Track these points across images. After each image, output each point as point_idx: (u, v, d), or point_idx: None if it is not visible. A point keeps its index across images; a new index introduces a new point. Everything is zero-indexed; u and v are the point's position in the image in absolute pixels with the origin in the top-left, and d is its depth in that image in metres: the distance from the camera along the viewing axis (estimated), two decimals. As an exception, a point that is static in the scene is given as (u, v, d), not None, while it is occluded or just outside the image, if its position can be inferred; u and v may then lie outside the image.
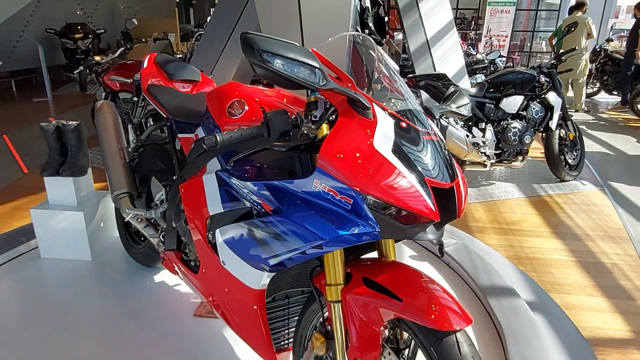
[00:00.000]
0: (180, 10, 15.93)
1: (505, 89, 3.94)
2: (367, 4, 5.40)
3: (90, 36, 9.79)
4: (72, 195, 2.43)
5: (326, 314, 1.28)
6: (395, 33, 9.77)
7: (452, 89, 3.19)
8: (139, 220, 1.97)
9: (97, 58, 4.47)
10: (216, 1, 22.97)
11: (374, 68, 1.23)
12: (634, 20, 7.13)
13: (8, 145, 5.31)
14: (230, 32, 5.48)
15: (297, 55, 0.98)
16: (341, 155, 1.02)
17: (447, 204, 1.10)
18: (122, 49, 4.74)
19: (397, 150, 1.05)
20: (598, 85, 8.67)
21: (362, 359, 1.14)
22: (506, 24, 12.31)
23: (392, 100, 1.17)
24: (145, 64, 2.09)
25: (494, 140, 3.90)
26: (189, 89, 2.11)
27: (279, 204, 1.12)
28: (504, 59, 6.87)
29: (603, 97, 8.85)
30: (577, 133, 4.25)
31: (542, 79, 3.93)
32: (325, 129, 1.15)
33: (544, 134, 4.13)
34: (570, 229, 3.35)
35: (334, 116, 1.15)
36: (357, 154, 1.02)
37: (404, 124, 1.10)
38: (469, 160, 3.91)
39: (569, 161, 4.24)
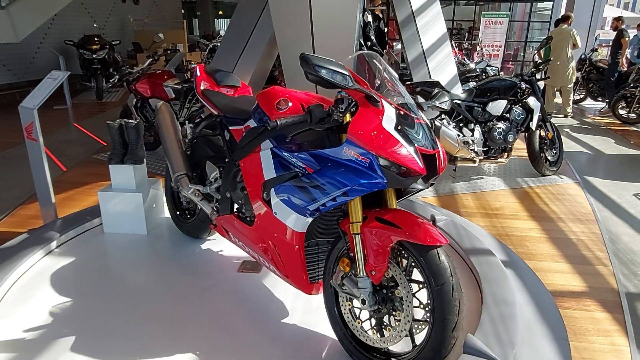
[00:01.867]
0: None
1: (491, 94, 4.51)
2: (369, 19, 5.99)
3: (106, 47, 10.40)
4: (132, 180, 2.98)
5: (348, 247, 1.82)
6: (394, 43, 10.38)
7: (436, 90, 3.81)
8: (196, 194, 2.52)
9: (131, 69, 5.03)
10: (220, 12, 23.43)
11: (382, 76, 1.79)
12: (615, 31, 7.74)
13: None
14: (245, 42, 6.04)
15: (334, 67, 1.56)
16: (361, 132, 1.59)
17: (432, 167, 1.66)
18: (151, 59, 5.32)
19: (397, 128, 1.61)
20: (584, 92, 9.27)
21: (375, 270, 1.69)
22: (500, 35, 12.92)
23: (394, 97, 1.73)
24: (198, 73, 2.64)
25: (482, 139, 4.46)
26: (232, 93, 2.67)
27: (320, 166, 1.68)
28: (495, 68, 7.45)
29: (589, 103, 9.45)
30: (555, 133, 4.82)
31: (523, 85, 4.50)
32: (348, 116, 1.71)
33: (526, 134, 4.70)
34: (546, 214, 3.90)
35: (354, 108, 1.71)
36: (372, 130, 1.58)
37: (402, 112, 1.66)
38: (460, 157, 4.46)
39: (549, 158, 4.80)
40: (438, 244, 1.58)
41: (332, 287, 1.91)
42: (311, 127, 1.72)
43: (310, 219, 1.82)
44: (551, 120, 4.83)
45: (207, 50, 7.84)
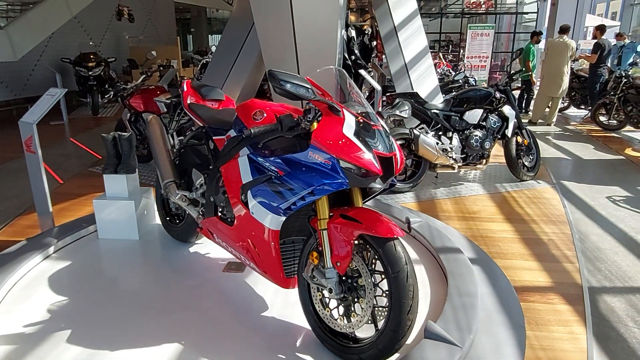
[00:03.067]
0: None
1: (468, 104, 4.75)
2: (353, 34, 6.26)
3: (102, 64, 10.67)
4: (125, 189, 3.17)
5: (317, 242, 2.01)
6: (384, 56, 10.70)
7: (397, 100, 4.13)
8: (183, 200, 2.71)
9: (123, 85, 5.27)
10: (214, 28, 23.75)
11: (348, 88, 2.02)
12: (595, 40, 8.04)
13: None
14: (235, 57, 6.31)
15: (298, 81, 1.78)
16: (324, 138, 1.80)
17: (389, 168, 1.87)
18: (144, 76, 5.55)
19: (357, 134, 1.83)
20: (567, 100, 9.57)
21: (340, 261, 1.88)
22: (486, 46, 13.25)
23: (356, 107, 1.95)
24: (185, 88, 2.86)
25: (460, 147, 4.69)
26: (216, 106, 2.88)
27: (289, 169, 1.88)
28: (473, 79, 7.72)
29: (572, 111, 9.74)
30: (531, 139, 5.05)
31: (498, 94, 4.75)
32: (315, 124, 1.92)
33: (503, 141, 4.93)
34: (520, 216, 4.10)
35: (320, 117, 1.93)
36: (334, 136, 1.80)
37: (361, 120, 1.88)
38: (440, 164, 4.68)
39: (526, 164, 5.03)
40: (395, 236, 1.78)
41: (305, 280, 2.10)
42: (282, 135, 1.93)
43: (283, 218, 2.02)
44: (527, 127, 5.07)
45: (200, 65, 8.10)
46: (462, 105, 4.77)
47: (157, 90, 5.19)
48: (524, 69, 7.71)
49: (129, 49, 14.18)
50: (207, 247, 3.08)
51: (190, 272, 2.81)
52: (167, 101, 3.78)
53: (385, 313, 1.84)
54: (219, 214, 2.48)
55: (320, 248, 1.97)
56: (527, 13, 14.64)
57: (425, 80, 6.19)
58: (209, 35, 22.85)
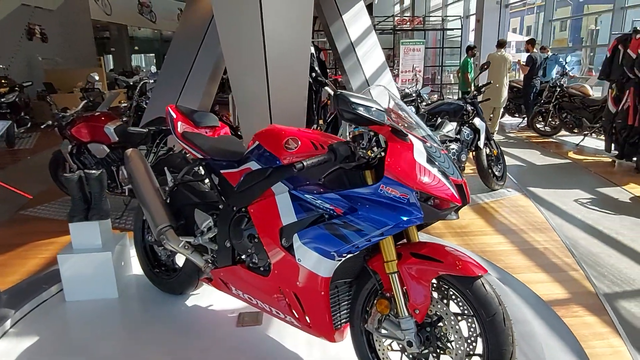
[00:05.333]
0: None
1: (441, 118, 4.74)
2: (312, 50, 6.08)
3: (16, 89, 9.46)
4: (98, 238, 2.65)
5: (381, 287, 1.73)
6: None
7: (440, 120, 4.05)
8: (186, 247, 2.28)
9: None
10: (136, 48, 22.58)
11: (397, 108, 1.78)
12: (527, 53, 8.60)
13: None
14: (186, 76, 5.84)
15: (371, 103, 1.52)
16: (399, 168, 1.54)
17: (461, 196, 1.65)
18: (85, 101, 4.89)
19: (429, 161, 1.59)
20: (502, 109, 10.15)
21: (419, 309, 1.62)
22: (418, 60, 13.81)
23: (415, 129, 1.72)
24: (174, 114, 2.45)
25: (438, 160, 4.64)
26: (211, 133, 2.50)
27: (355, 206, 1.59)
28: (428, 91, 7.90)
29: (507, 119, 10.34)
30: (499, 150, 5.16)
31: (469, 107, 4.79)
32: (370, 152, 1.65)
33: (474, 153, 4.97)
34: (507, 226, 4.11)
35: (376, 144, 1.67)
36: (408, 165, 1.55)
37: (428, 144, 1.65)
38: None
39: (496, 173, 5.12)
40: (480, 274, 1.56)
41: (363, 332, 1.81)
42: (341, 166, 1.64)
43: (337, 263, 1.71)
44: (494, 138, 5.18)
45: (138, 87, 7.45)
46: (435, 119, 4.74)
47: (103, 116, 4.57)
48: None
49: (44, 72, 12.84)
50: (207, 298, 2.65)
51: (196, 331, 2.37)
52: (143, 130, 3.27)
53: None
54: (243, 262, 2.09)
55: (388, 294, 1.70)
56: (452, 29, 15.51)
57: (386, 96, 6.15)
58: (132, 55, 21.55)
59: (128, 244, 2.91)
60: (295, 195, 1.77)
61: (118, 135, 4.33)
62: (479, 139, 4.84)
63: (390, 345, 1.76)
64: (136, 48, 21.95)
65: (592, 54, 14.15)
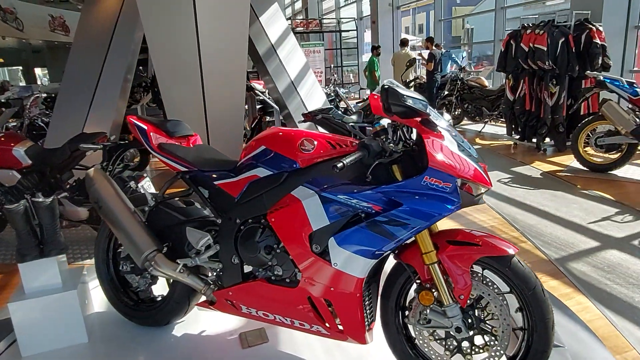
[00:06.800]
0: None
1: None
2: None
3: None
4: (57, 276, 2.25)
5: (418, 279, 1.74)
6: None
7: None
8: (181, 271, 2.04)
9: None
10: (0, 60, 19.74)
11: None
12: (427, 51, 9.29)
13: None
14: (96, 83, 5.28)
15: (415, 95, 1.53)
16: (442, 158, 1.56)
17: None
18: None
19: (461, 149, 1.63)
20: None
21: (463, 294, 1.65)
22: (319, 62, 14.18)
23: (439, 120, 1.75)
24: (144, 126, 2.17)
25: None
26: (187, 143, 2.28)
27: (399, 200, 1.57)
28: (358, 89, 8.20)
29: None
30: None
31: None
32: (400, 146, 1.66)
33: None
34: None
35: (401, 137, 1.68)
36: (448, 155, 1.58)
37: (453, 133, 1.69)
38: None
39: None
40: (515, 252, 1.65)
41: (400, 328, 1.80)
42: (380, 161, 1.61)
43: (374, 262, 1.68)
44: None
45: (28, 103, 6.48)
46: (371, 115, 4.89)
47: (9, 138, 3.91)
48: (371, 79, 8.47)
49: None
50: (197, 323, 2.40)
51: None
52: (97, 146, 2.83)
53: (523, 335, 1.68)
54: (264, 275, 1.92)
55: (427, 284, 1.71)
56: (348, 31, 16.17)
57: (314, 95, 6.20)
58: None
59: (86, 278, 2.52)
60: (325, 197, 1.69)
61: (31, 158, 3.75)
62: (411, 132, 5.11)
63: (431, 335, 1.77)
64: (0, 60, 19.21)
65: (469, 50, 15.81)
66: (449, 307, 1.67)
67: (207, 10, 3.89)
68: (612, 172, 5.14)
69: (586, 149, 5.27)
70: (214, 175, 2.05)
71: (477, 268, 1.72)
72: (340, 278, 1.70)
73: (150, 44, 4.05)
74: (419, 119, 1.64)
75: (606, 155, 5.21)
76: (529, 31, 6.03)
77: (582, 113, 5.96)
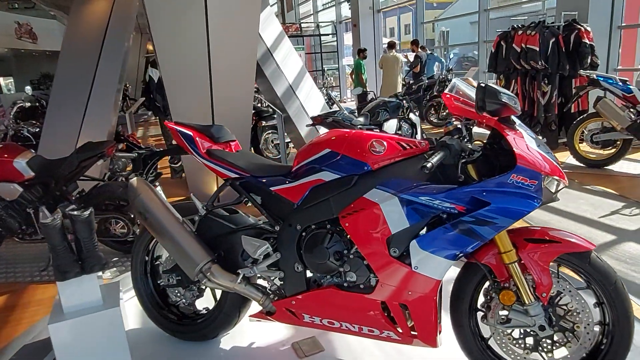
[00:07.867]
0: None
1: (382, 115, 4.92)
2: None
3: None
4: (97, 293, 2.13)
5: (495, 279, 1.72)
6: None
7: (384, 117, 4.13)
8: (239, 282, 1.96)
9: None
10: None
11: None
12: (414, 53, 9.40)
13: None
14: (88, 92, 5.08)
15: (507, 92, 1.52)
16: (529, 155, 1.57)
17: None
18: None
19: (539, 146, 1.64)
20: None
21: (545, 292, 1.65)
22: (301, 66, 14.04)
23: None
24: (189, 132, 2.09)
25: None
26: (231, 149, 2.21)
27: (485, 199, 1.55)
28: (360, 92, 8.26)
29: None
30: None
31: (405, 103, 5.06)
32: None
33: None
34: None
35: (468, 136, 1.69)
36: (532, 152, 1.58)
37: (528, 131, 1.70)
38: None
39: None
40: (593, 248, 1.66)
41: (475, 331, 1.79)
42: (466, 160, 1.60)
43: (453, 263, 1.66)
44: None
45: (12, 114, 6.16)
46: (377, 118, 4.91)
47: (8, 149, 3.70)
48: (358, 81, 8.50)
49: None
50: (244, 335, 2.31)
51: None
52: (131, 155, 2.67)
53: (603, 329, 1.69)
54: (335, 282, 1.86)
55: (506, 284, 1.69)
56: (328, 34, 16.20)
57: (312, 98, 6.16)
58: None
59: (120, 293, 2.39)
60: (405, 199, 1.65)
61: (34, 170, 3.57)
62: (416, 133, 5.15)
63: (510, 335, 1.76)
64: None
65: (445, 52, 16.11)
66: (531, 305, 1.66)
67: (218, 12, 3.80)
68: (608, 167, 5.31)
69: (581, 145, 5.43)
70: (269, 181, 1.98)
71: (552, 265, 1.72)
72: (419, 281, 1.67)
73: (157, 47, 3.92)
74: (496, 117, 1.64)
75: (601, 151, 5.38)
76: (520, 32, 6.18)
77: (572, 111, 6.14)
